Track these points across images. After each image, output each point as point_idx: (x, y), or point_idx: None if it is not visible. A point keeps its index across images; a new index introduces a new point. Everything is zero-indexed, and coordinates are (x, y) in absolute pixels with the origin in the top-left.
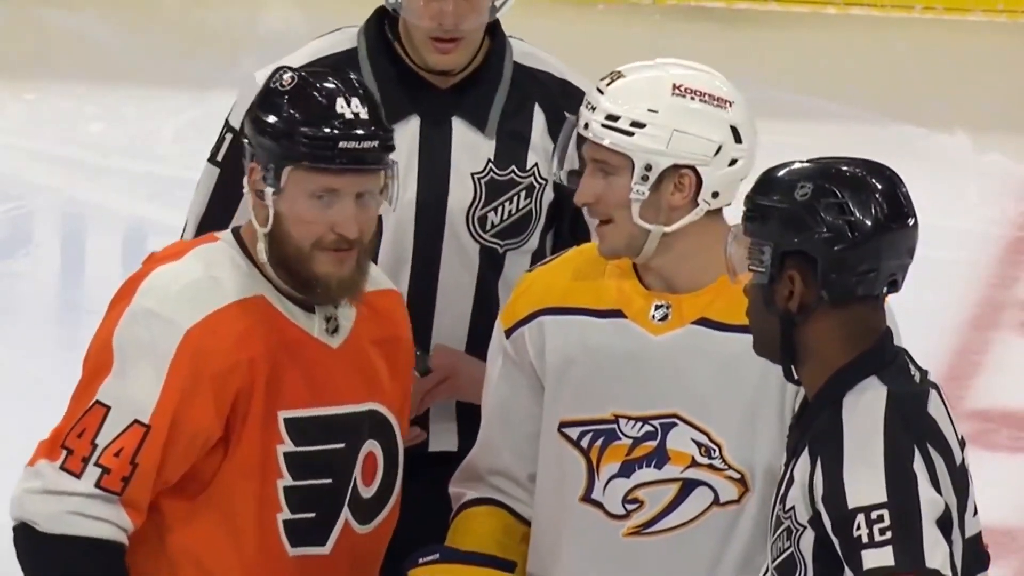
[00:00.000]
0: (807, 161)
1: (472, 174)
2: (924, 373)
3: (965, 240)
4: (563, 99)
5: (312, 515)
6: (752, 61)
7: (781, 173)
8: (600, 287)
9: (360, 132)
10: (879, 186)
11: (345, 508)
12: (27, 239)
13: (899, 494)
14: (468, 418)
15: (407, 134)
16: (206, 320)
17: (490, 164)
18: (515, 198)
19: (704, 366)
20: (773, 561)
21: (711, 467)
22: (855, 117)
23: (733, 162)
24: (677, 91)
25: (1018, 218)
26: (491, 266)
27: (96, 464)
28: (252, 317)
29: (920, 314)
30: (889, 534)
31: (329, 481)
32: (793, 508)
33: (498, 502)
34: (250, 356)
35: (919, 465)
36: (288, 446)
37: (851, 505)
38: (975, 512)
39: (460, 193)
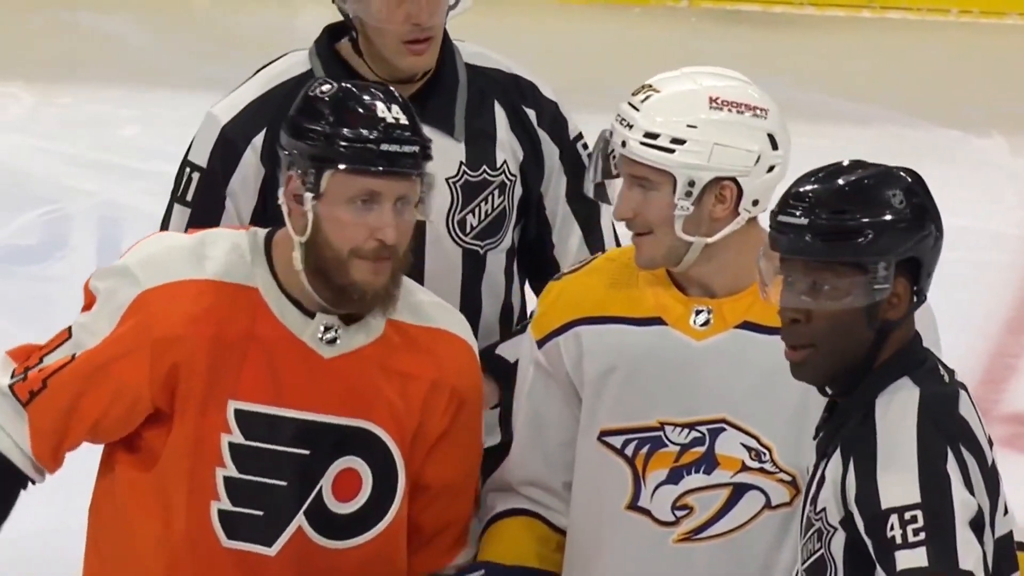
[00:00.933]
0: (853, 169)
1: (447, 179)
2: (952, 373)
3: (1001, 243)
4: (517, 94)
5: (259, 513)
6: (788, 64)
7: (856, 186)
8: (636, 295)
9: (402, 136)
10: (921, 181)
11: (300, 515)
12: (63, 243)
13: (933, 495)
14: None
15: None
16: (167, 286)
17: (463, 167)
18: (489, 197)
19: (750, 370)
20: (803, 563)
21: (762, 471)
22: (891, 120)
23: (771, 169)
24: (714, 104)
25: None
26: (474, 268)
27: (24, 371)
28: (224, 300)
29: (956, 316)
30: (923, 535)
31: (283, 484)
32: (824, 509)
33: (532, 512)
34: (200, 334)
35: (952, 466)
36: (235, 437)
37: (884, 506)
38: (1006, 512)
39: (438, 199)
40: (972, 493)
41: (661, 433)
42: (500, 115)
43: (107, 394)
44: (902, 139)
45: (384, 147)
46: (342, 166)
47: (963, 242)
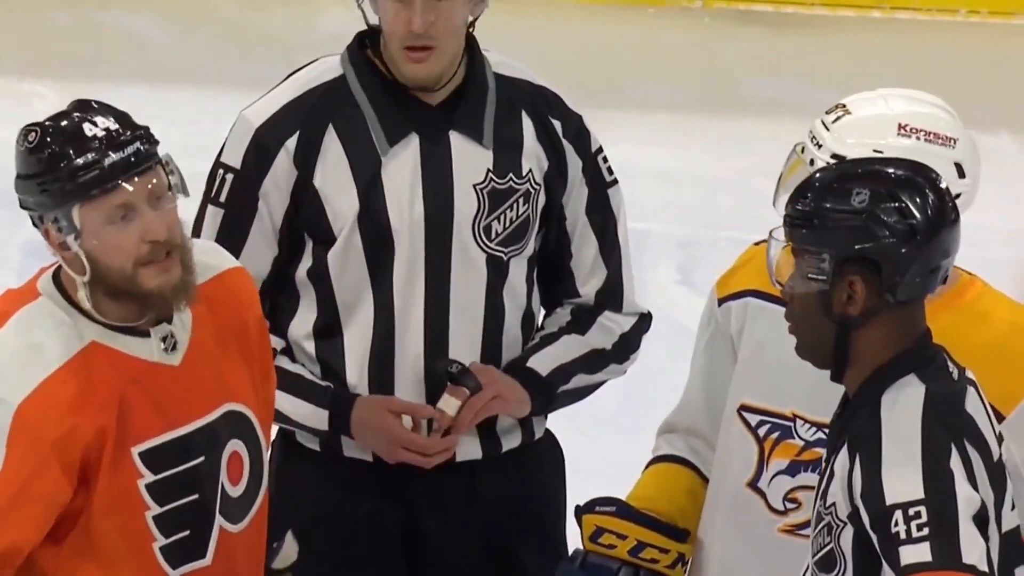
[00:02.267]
0: (846, 166)
1: (474, 185)
2: (962, 371)
3: (1012, 239)
4: (544, 105)
5: (187, 533)
6: (799, 63)
7: (828, 181)
8: None
9: (119, 141)
10: (927, 185)
11: (217, 516)
12: None
13: (936, 491)
14: (488, 427)
15: (409, 153)
16: (36, 392)
17: (490, 174)
18: (514, 205)
19: None
20: (814, 556)
21: None
22: None
23: (956, 196)
24: (902, 131)
25: None
26: (497, 274)
27: None
28: (83, 372)
29: None
30: (926, 531)
31: (196, 496)
32: (834, 504)
33: (690, 463)
34: (86, 414)
35: (956, 462)
36: (148, 478)
37: (889, 502)
38: (1013, 507)
39: (465, 205)
40: (976, 488)
41: (792, 425)
42: (527, 125)
43: (38, 514)
44: None
45: (108, 160)
46: (83, 197)
47: (974, 239)
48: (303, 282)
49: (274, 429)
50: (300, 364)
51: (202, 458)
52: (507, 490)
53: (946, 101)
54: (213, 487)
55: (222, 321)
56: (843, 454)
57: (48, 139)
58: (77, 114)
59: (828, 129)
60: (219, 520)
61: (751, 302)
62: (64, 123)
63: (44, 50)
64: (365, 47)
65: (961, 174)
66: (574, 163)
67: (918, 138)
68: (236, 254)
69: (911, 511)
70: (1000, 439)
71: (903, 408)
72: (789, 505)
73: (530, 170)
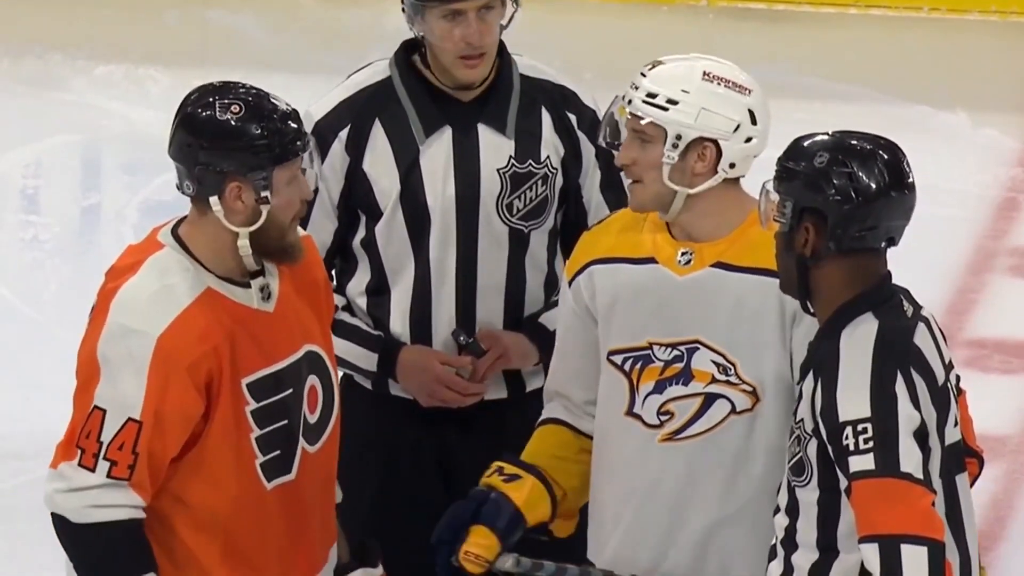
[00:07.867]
0: (828, 133)
1: (498, 169)
2: (918, 309)
3: (964, 199)
4: (562, 101)
5: (278, 452)
6: (789, 52)
7: (806, 142)
8: (638, 240)
9: (297, 116)
10: (883, 158)
11: (300, 438)
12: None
13: (881, 411)
14: (514, 372)
15: (443, 142)
16: (172, 325)
17: (511, 160)
18: (533, 186)
19: (721, 300)
20: (788, 462)
21: (728, 382)
22: (874, 98)
23: (749, 139)
24: (706, 77)
25: (1008, 181)
26: (519, 245)
27: (105, 458)
28: (207, 310)
29: (927, 261)
30: (871, 444)
31: (286, 422)
32: (802, 420)
33: (562, 421)
34: (213, 344)
35: (900, 387)
36: (252, 405)
37: (841, 419)
38: (956, 424)
39: (490, 186)
40: (918, 409)
41: (650, 352)
42: (546, 118)
43: (177, 427)
44: (882, 114)
45: (295, 133)
46: (286, 159)
47: (932, 199)
48: (358, 250)
49: (340, 373)
50: (357, 318)
51: (290, 390)
52: (529, 424)
53: (911, 84)
54: (297, 414)
55: (298, 277)
56: (809, 378)
57: (257, 111)
58: (262, 92)
59: (645, 76)
60: (301, 442)
61: (594, 269)
62: (260, 101)
63: (158, 42)
64: (410, 52)
65: (753, 120)
66: (588, 150)
67: (718, 84)
68: (303, 225)
69: (859, 427)
70: (949, 367)
71: (858, 340)
72: (663, 418)
73: (548, 156)
